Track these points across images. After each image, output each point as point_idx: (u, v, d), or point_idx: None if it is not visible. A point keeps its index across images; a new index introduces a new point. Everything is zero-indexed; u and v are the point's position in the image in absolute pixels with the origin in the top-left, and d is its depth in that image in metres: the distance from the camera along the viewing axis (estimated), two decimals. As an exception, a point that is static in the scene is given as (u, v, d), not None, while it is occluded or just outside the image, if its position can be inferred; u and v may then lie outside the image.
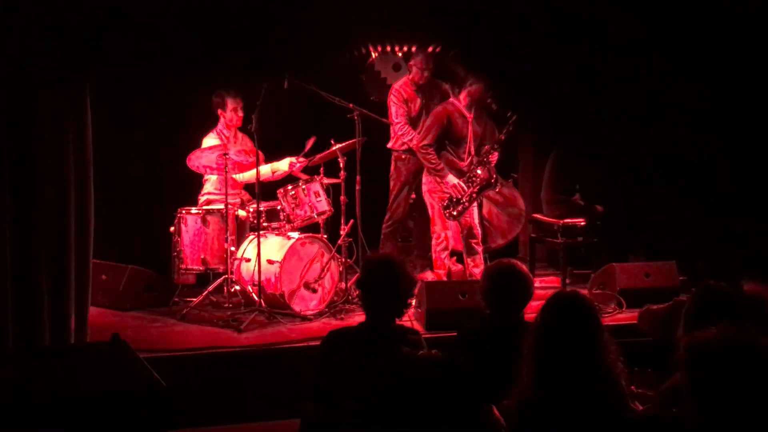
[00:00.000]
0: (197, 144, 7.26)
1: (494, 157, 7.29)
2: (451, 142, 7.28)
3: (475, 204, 7.36)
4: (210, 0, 7.33)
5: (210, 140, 7.29)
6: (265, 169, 7.28)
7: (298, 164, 7.37)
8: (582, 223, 7.64)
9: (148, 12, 6.97)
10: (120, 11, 6.33)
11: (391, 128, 7.79)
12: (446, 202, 7.19)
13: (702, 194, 8.42)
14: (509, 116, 7.16)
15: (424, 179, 7.43)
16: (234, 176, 7.26)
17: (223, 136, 7.35)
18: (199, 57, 7.67)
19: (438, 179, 7.22)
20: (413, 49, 8.27)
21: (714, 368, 2.59)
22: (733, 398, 2.53)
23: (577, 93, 8.40)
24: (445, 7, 7.82)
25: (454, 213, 7.18)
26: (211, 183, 7.40)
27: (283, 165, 7.41)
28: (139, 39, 7.16)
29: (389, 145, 7.87)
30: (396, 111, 7.71)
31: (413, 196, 7.90)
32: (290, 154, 7.38)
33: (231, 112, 7.36)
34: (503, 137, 7.24)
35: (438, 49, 8.34)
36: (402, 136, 7.69)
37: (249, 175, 7.28)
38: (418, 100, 7.79)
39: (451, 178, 7.17)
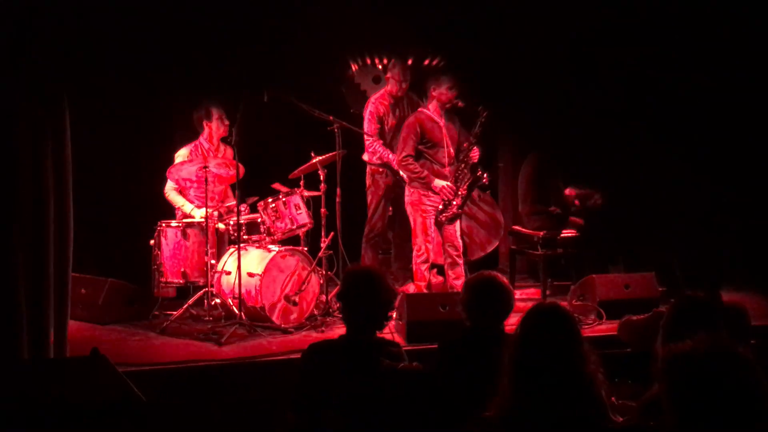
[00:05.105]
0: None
1: (475, 153, 7.30)
2: (429, 149, 7.27)
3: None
4: (190, 15, 7.31)
5: (183, 154, 7.28)
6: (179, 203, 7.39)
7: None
8: (562, 235, 7.67)
9: (128, 27, 6.97)
10: (100, 28, 6.32)
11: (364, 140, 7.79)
12: (441, 206, 7.20)
13: (682, 204, 8.46)
14: (480, 110, 7.16)
15: (406, 191, 7.40)
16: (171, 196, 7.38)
17: (201, 150, 7.33)
18: (181, 70, 7.67)
19: (424, 187, 7.20)
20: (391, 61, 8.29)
21: (691, 379, 2.59)
22: (711, 409, 2.54)
23: (554, 100, 8.43)
24: (425, 17, 7.84)
25: (449, 215, 7.19)
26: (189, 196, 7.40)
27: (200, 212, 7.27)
28: (120, 54, 7.15)
29: (365, 158, 7.87)
30: (367, 127, 7.72)
31: (390, 209, 7.90)
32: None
33: (217, 121, 7.36)
34: (478, 131, 7.24)
35: (411, 62, 8.34)
36: (372, 153, 7.71)
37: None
38: (396, 113, 7.80)
39: (439, 182, 7.16)
